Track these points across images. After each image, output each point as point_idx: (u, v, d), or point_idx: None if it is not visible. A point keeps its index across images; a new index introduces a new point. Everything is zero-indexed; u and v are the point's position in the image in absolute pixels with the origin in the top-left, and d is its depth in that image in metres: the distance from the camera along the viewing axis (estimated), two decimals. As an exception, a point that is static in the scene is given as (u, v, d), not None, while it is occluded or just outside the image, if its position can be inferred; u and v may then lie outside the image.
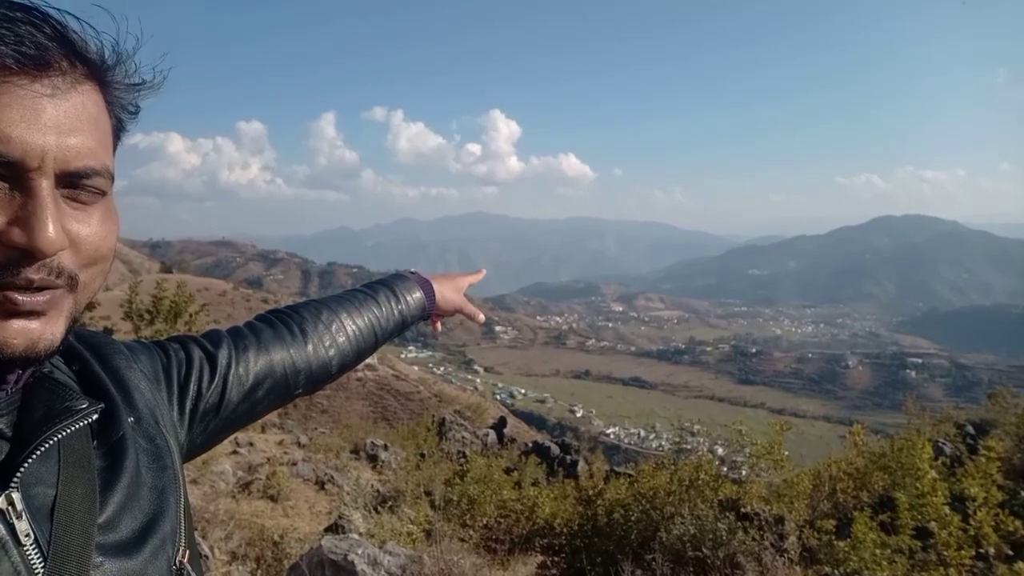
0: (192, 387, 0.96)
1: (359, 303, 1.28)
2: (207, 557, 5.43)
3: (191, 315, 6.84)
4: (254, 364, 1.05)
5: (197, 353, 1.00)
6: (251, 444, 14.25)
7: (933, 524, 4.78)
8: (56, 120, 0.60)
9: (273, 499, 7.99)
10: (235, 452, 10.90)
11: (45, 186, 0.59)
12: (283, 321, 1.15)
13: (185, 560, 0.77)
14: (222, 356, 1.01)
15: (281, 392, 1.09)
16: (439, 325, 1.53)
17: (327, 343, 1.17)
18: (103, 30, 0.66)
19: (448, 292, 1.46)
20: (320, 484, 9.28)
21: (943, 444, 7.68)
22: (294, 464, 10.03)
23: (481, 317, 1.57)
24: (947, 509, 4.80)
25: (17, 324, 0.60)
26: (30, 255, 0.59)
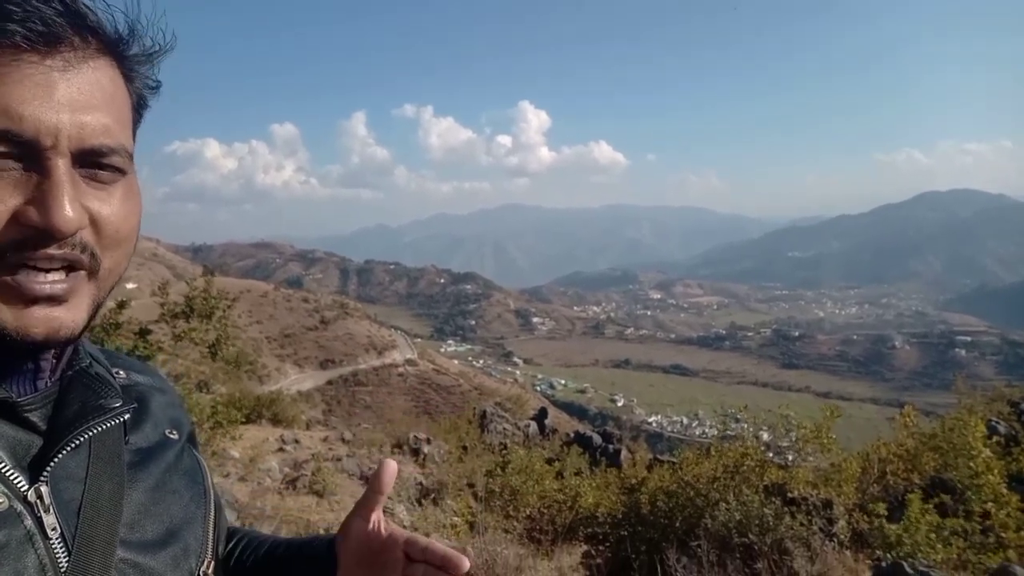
0: None
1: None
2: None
3: (223, 311, 6.89)
4: None
5: None
6: (296, 441, 14.46)
7: (990, 505, 4.64)
8: (70, 97, 0.59)
9: (319, 494, 8.10)
10: (281, 449, 11.06)
11: (61, 164, 0.58)
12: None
13: (210, 571, 0.78)
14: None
15: None
16: None
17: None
18: (114, 4, 0.65)
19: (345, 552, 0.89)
20: (364, 479, 9.38)
21: (997, 423, 7.46)
22: (339, 459, 10.16)
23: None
24: (1004, 489, 4.66)
25: (38, 311, 0.59)
26: (48, 235, 0.57)
